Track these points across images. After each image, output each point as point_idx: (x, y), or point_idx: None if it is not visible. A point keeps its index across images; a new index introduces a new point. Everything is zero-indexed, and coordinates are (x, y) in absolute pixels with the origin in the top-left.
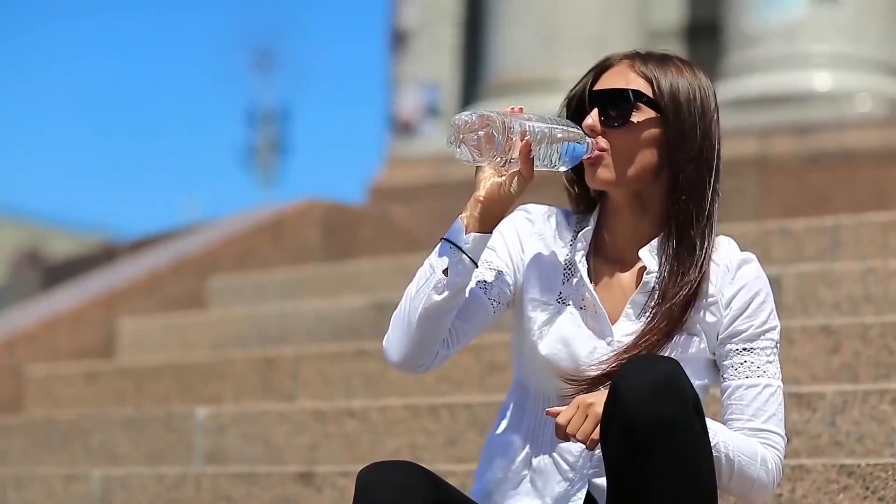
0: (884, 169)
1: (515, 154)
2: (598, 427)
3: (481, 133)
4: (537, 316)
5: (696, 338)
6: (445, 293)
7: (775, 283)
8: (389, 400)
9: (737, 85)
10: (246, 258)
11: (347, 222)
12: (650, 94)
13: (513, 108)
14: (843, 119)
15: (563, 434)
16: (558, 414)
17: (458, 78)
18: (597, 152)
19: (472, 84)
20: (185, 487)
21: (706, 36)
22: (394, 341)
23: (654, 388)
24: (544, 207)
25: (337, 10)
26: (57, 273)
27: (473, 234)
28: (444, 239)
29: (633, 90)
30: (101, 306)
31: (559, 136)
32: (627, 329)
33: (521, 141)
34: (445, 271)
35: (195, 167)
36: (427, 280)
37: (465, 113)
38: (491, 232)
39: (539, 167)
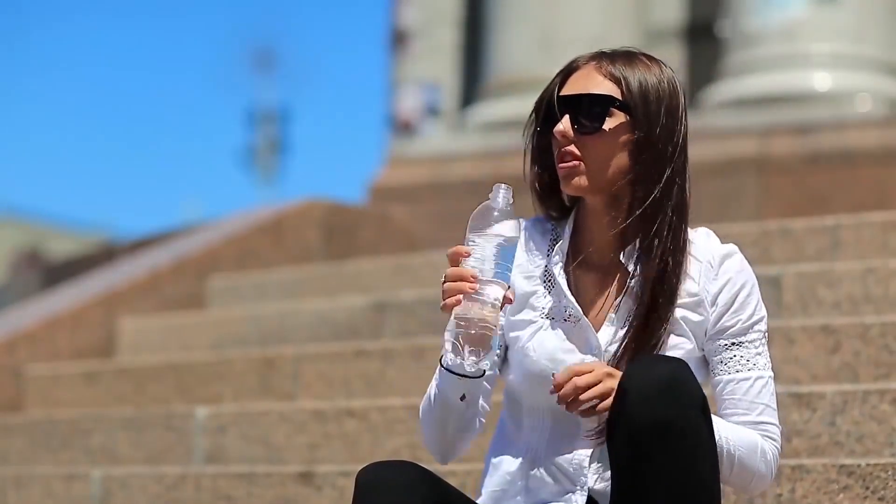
0: (884, 169)
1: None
2: (611, 398)
3: (474, 343)
4: (522, 334)
5: (683, 338)
6: (471, 408)
7: (775, 283)
8: (389, 400)
9: (737, 85)
10: (246, 258)
11: (347, 222)
12: (619, 95)
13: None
14: (843, 119)
15: (574, 400)
16: (562, 385)
17: (458, 78)
18: (564, 165)
19: (472, 84)
20: (185, 487)
21: (706, 36)
22: (435, 447)
23: (657, 389)
24: (512, 222)
25: (337, 10)
26: (57, 273)
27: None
28: (449, 371)
29: (604, 95)
30: (101, 306)
31: (495, 256)
32: (613, 336)
33: (498, 293)
34: (462, 397)
35: (195, 167)
36: (448, 406)
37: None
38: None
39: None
